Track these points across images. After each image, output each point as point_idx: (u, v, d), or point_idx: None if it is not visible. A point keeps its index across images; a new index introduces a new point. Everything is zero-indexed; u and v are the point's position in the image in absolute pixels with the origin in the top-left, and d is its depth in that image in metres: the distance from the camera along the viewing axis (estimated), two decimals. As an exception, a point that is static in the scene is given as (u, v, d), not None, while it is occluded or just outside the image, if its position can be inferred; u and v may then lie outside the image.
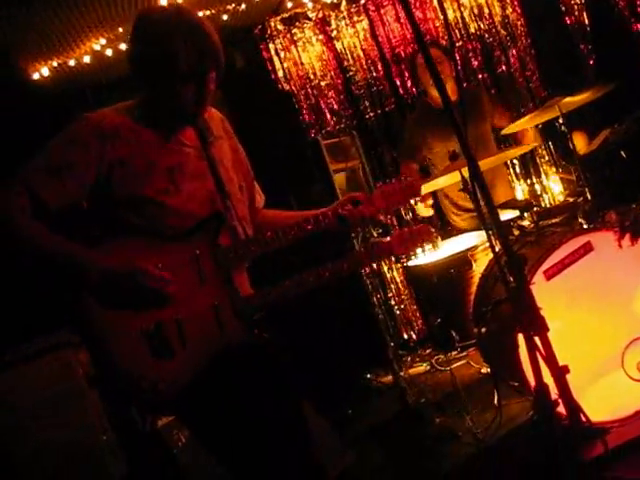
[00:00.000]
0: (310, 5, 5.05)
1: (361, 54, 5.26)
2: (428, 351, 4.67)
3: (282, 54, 5.12)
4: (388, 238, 2.26)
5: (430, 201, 4.12)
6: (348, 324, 4.27)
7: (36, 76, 4.46)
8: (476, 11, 5.39)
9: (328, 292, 2.12)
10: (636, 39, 5.40)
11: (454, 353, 4.08)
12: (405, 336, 5.10)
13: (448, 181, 3.46)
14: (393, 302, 5.08)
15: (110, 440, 3.34)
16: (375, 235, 3.92)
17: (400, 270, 5.02)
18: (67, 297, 1.94)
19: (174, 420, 3.13)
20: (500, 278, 3.02)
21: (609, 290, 3.04)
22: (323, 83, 5.21)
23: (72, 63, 4.48)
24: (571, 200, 3.59)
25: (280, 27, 5.07)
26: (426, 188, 3.61)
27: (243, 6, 4.64)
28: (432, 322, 4.10)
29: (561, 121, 3.30)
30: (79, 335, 1.98)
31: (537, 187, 5.24)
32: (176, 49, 1.89)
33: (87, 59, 4.48)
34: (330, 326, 4.21)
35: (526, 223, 3.43)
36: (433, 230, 2.29)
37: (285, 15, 5.07)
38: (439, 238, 3.79)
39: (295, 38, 5.14)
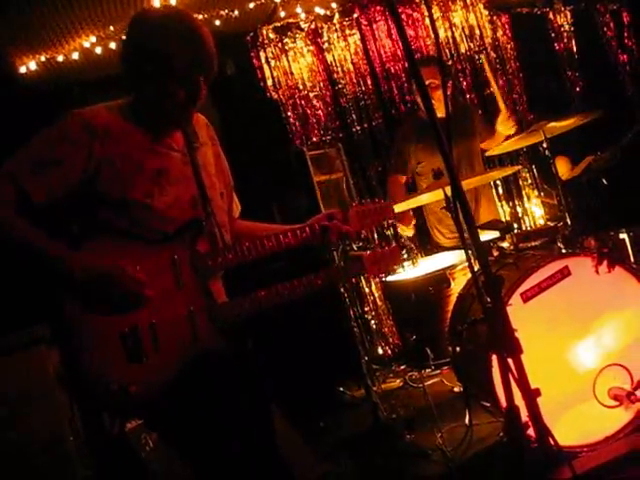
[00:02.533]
0: (303, 16, 5.07)
1: (351, 67, 5.28)
2: (402, 367, 4.66)
3: (272, 63, 5.12)
4: (364, 254, 2.28)
5: (413, 222, 4.11)
6: (323, 336, 4.25)
7: (23, 69, 4.43)
8: (467, 32, 5.45)
9: (303, 303, 2.11)
10: (621, 69, 5.49)
11: (428, 370, 4.08)
12: (380, 351, 5.10)
13: (432, 198, 3.47)
14: (370, 316, 5.09)
15: (77, 442, 3.29)
16: (355, 248, 3.92)
17: (378, 285, 5.02)
18: (44, 292, 1.92)
19: (143, 424, 3.09)
20: (477, 298, 3.03)
21: (585, 315, 3.06)
22: (312, 94, 5.22)
23: (60, 59, 4.46)
24: (551, 224, 3.61)
25: (272, 36, 5.08)
26: (409, 204, 3.62)
27: (236, 13, 4.66)
28: (408, 338, 4.09)
29: (545, 145, 3.32)
30: (52, 332, 1.96)
31: (519, 209, 5.28)
32: (172, 50, 1.88)
33: (76, 56, 4.46)
34: (304, 338, 4.20)
35: (506, 245, 3.45)
36: (404, 252, 2.31)
37: (277, 24, 5.08)
38: (419, 255, 3.80)
39: (286, 48, 5.15)
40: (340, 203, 4.54)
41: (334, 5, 5.07)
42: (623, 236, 4.40)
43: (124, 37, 2.01)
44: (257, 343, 2.18)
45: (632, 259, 4.28)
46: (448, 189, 3.01)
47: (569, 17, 5.60)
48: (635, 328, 3.08)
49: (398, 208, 3.31)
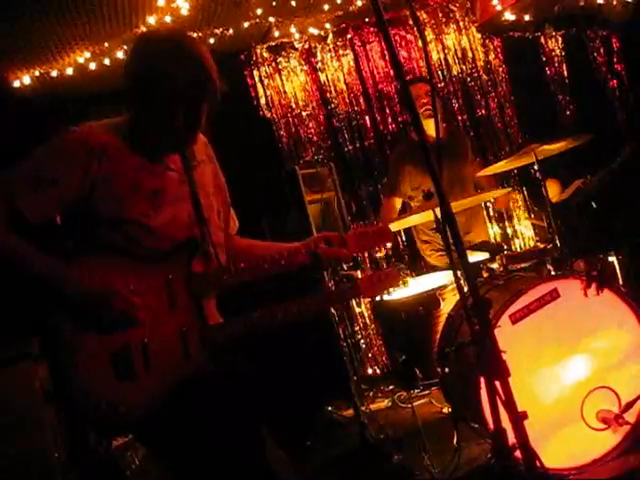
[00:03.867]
0: (297, 36, 5.11)
1: (344, 87, 5.31)
2: (391, 387, 4.65)
3: (266, 81, 5.15)
4: (359, 275, 2.29)
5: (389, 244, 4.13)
6: (312, 355, 4.24)
7: (17, 84, 4.44)
8: (460, 54, 5.51)
9: (293, 322, 2.11)
10: (611, 94, 5.56)
11: (417, 391, 4.06)
12: (369, 371, 5.09)
13: (422, 219, 3.48)
14: (359, 336, 5.08)
15: (62, 459, 3.26)
16: (345, 268, 3.92)
17: (368, 304, 5.02)
18: (36, 308, 1.92)
19: (129, 441, 3.07)
20: (466, 319, 3.03)
21: (574, 337, 3.07)
22: (304, 113, 5.24)
23: (54, 74, 4.46)
24: (541, 246, 3.62)
25: (266, 55, 5.12)
26: (399, 225, 3.63)
27: (231, 31, 4.68)
28: (397, 358, 4.08)
29: (536, 168, 3.35)
30: (42, 348, 1.95)
31: (509, 231, 5.30)
32: (175, 71, 1.88)
33: (70, 71, 4.46)
34: (293, 356, 4.18)
35: (496, 266, 3.46)
36: (401, 275, 2.32)
37: (272, 43, 5.11)
38: (408, 277, 3.80)
39: (280, 67, 5.18)
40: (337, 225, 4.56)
41: (328, 26, 5.11)
42: (612, 259, 4.43)
43: (127, 57, 2.00)
44: (246, 363, 2.17)
45: (621, 282, 4.30)
46: (438, 210, 3.03)
47: (560, 42, 5.66)
48: (623, 350, 3.09)
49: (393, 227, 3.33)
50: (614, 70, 5.70)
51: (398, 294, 3.88)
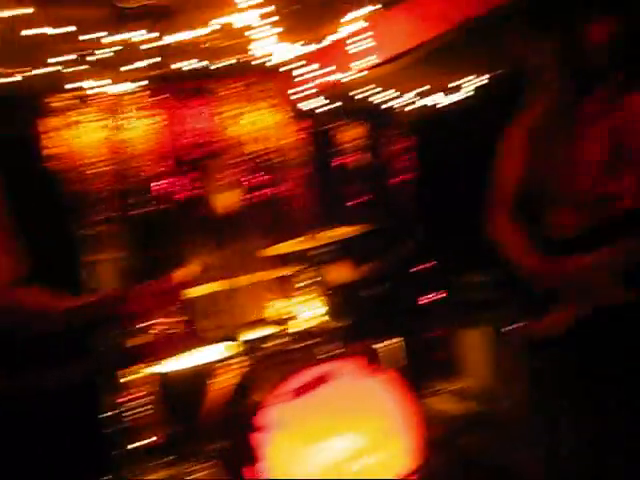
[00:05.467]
0: (99, 89, 4.91)
1: (145, 148, 5.18)
2: (165, 460, 4.44)
3: (61, 132, 4.86)
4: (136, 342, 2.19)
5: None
6: (79, 429, 3.97)
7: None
8: (265, 132, 5.62)
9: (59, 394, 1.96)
10: (403, 187, 5.97)
11: (191, 464, 3.93)
12: (143, 442, 4.83)
13: (200, 291, 3.46)
14: (134, 405, 4.82)
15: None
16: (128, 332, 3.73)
17: (145, 372, 4.80)
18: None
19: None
20: (239, 395, 3.02)
21: (342, 420, 3.14)
22: (98, 170, 5.01)
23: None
24: (322, 327, 3.71)
25: (63, 104, 4.86)
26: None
27: (30, 73, 4.41)
28: (171, 431, 3.93)
29: (324, 250, 3.46)
30: None
31: (294, 309, 5.35)
32: None
33: None
34: (60, 432, 3.89)
35: (277, 343, 3.49)
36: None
37: (71, 93, 4.87)
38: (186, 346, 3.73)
39: (78, 118, 4.94)
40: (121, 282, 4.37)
41: (137, 83, 5.00)
42: (389, 343, 4.65)
43: None
44: None
45: (396, 366, 4.50)
46: (219, 284, 3.03)
47: (359, 133, 5.99)
48: (396, 432, 3.21)
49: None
50: (405, 166, 6.12)
51: (174, 365, 3.78)
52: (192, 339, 3.93)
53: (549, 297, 2.47)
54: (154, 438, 4.74)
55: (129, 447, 4.11)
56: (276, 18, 3.77)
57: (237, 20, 3.64)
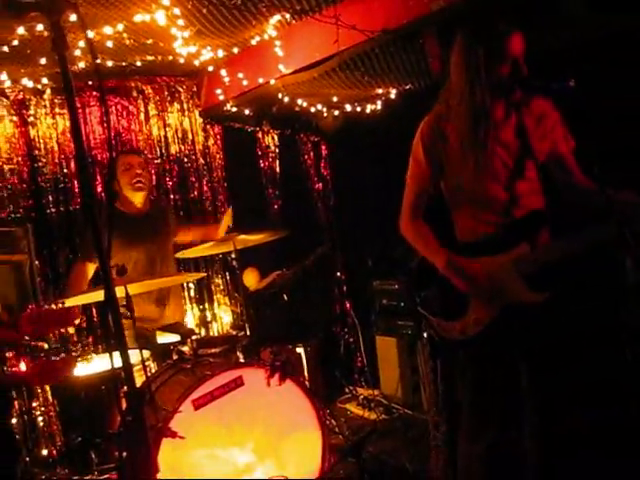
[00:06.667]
0: (9, 83, 4.75)
1: (56, 147, 5.03)
2: (65, 471, 4.29)
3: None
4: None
5: (77, 321, 3.90)
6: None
7: None
8: (180, 135, 5.56)
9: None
10: (315, 196, 6.01)
11: (91, 476, 3.80)
12: (45, 452, 4.66)
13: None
14: (38, 413, 4.65)
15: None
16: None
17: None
18: None
19: None
20: (147, 403, 2.95)
21: (254, 426, 3.12)
22: (7, 167, 4.84)
23: None
24: (233, 333, 3.69)
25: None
26: (89, 299, 3.43)
27: None
28: (72, 439, 3.80)
29: (234, 256, 3.44)
30: None
31: (208, 314, 5.32)
32: None
33: None
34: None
35: (186, 349, 3.44)
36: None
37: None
38: (93, 352, 3.61)
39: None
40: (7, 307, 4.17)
41: (45, 80, 4.85)
42: (300, 350, 4.66)
43: None
44: None
45: (306, 373, 4.52)
46: (131, 287, 2.95)
47: (276, 139, 6.01)
48: (301, 441, 3.21)
49: (69, 302, 3.13)
50: (320, 174, 6.18)
51: (79, 371, 3.66)
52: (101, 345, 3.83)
53: (463, 298, 2.53)
54: (56, 447, 4.61)
55: (27, 459, 3.98)
56: (190, 19, 3.73)
57: (150, 19, 3.57)
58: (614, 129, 3.18)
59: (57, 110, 5.04)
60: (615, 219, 2.23)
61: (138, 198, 4.21)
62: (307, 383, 3.82)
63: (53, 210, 4.97)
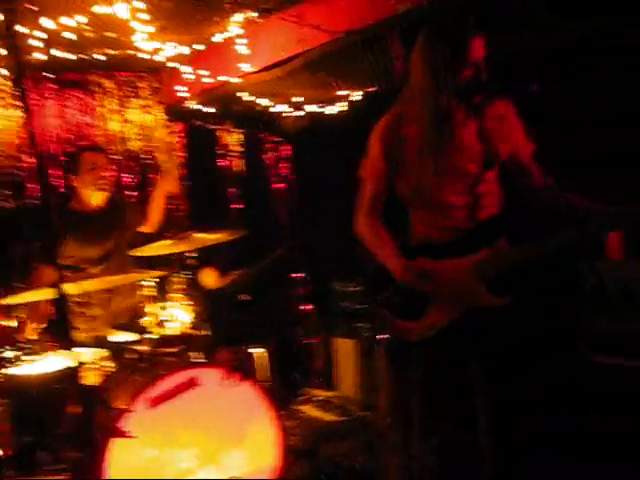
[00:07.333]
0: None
1: (8, 140, 4.89)
2: (11, 473, 4.18)
3: None
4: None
5: (34, 325, 3.81)
6: None
7: None
8: (141, 131, 5.48)
9: None
10: (276, 197, 6.00)
11: (42, 477, 3.72)
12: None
13: (70, 291, 3.27)
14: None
15: None
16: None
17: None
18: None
19: None
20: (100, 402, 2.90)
21: (211, 426, 3.10)
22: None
23: None
24: (191, 332, 3.64)
25: None
26: (48, 294, 3.36)
27: None
28: (22, 440, 3.70)
29: (193, 255, 3.41)
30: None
31: (165, 313, 5.22)
32: None
33: None
34: None
35: (142, 348, 3.39)
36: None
37: None
38: (47, 349, 3.53)
39: None
40: None
41: (2, 71, 4.73)
42: (257, 351, 4.63)
43: None
44: None
45: (263, 374, 4.49)
46: (87, 284, 2.90)
47: (238, 138, 5.95)
48: (257, 442, 3.19)
49: (31, 297, 3.07)
50: (282, 174, 6.15)
51: (32, 368, 3.57)
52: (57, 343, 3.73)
53: (423, 299, 2.53)
54: (3, 448, 4.48)
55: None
56: (153, 14, 3.67)
57: (112, 12, 3.51)
58: (576, 134, 3.22)
59: (11, 101, 4.90)
60: (574, 223, 2.26)
61: (98, 197, 4.14)
62: (264, 384, 3.78)
63: (4, 205, 4.83)
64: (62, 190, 4.84)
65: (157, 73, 5.30)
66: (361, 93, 5.22)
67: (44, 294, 3.22)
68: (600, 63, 3.20)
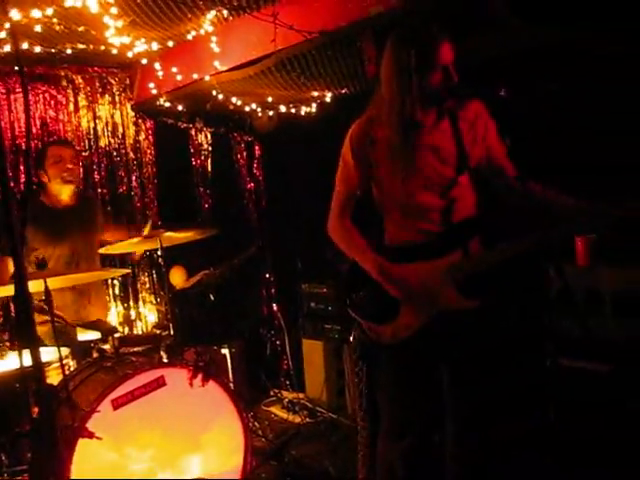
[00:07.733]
0: None
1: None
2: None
3: None
4: None
5: None
6: None
7: None
8: (111, 128, 5.41)
9: None
10: (247, 196, 5.97)
11: (1, 477, 3.65)
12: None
13: (35, 288, 3.22)
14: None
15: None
16: None
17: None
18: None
19: None
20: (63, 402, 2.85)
21: (177, 426, 3.07)
22: None
23: None
24: (157, 332, 3.61)
25: None
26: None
27: None
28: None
29: (160, 253, 3.37)
30: None
31: (133, 312, 5.20)
32: None
33: None
34: None
35: (107, 347, 3.35)
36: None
37: None
38: (7, 350, 3.47)
39: None
40: None
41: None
42: (225, 351, 4.60)
43: None
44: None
45: (230, 375, 4.46)
46: (50, 281, 2.85)
47: (209, 137, 5.92)
48: (223, 443, 3.17)
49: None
50: (253, 174, 6.13)
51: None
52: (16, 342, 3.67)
53: (395, 302, 2.52)
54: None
55: None
56: (124, 8, 3.63)
57: (82, 5, 3.45)
58: (545, 139, 3.25)
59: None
60: (549, 223, 2.27)
61: (66, 192, 4.11)
62: (231, 385, 3.77)
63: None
64: (34, 186, 4.79)
65: (128, 69, 5.24)
66: (333, 95, 5.22)
67: (6, 291, 3.16)
68: (568, 67, 3.24)
